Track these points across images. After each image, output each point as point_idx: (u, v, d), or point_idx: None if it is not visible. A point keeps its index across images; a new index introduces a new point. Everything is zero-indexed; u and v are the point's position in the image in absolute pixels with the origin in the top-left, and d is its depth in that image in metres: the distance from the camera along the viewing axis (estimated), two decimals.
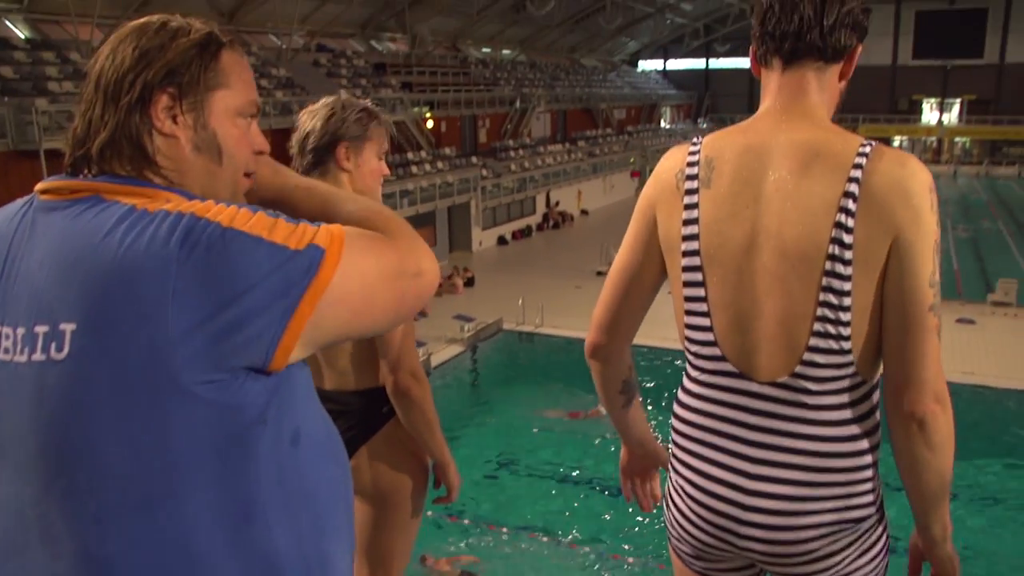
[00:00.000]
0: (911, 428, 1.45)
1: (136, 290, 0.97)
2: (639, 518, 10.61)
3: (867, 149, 1.44)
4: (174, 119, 1.12)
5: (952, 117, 53.40)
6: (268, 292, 1.00)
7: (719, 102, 58.98)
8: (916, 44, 51.75)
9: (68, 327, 0.99)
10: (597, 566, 10.12)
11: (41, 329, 1.01)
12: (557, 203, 35.21)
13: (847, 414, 1.50)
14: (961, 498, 10.96)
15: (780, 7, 1.50)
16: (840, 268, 1.42)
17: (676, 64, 60.56)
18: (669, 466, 1.74)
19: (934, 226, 1.43)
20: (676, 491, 1.68)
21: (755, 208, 1.49)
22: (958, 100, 52.44)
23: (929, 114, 54.04)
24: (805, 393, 1.49)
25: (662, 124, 55.23)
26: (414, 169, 27.48)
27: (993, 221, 31.93)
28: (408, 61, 32.40)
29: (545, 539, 10.67)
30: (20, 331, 1.03)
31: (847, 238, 1.41)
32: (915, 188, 1.41)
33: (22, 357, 1.02)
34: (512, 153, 34.80)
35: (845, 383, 1.49)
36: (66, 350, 0.99)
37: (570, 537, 10.69)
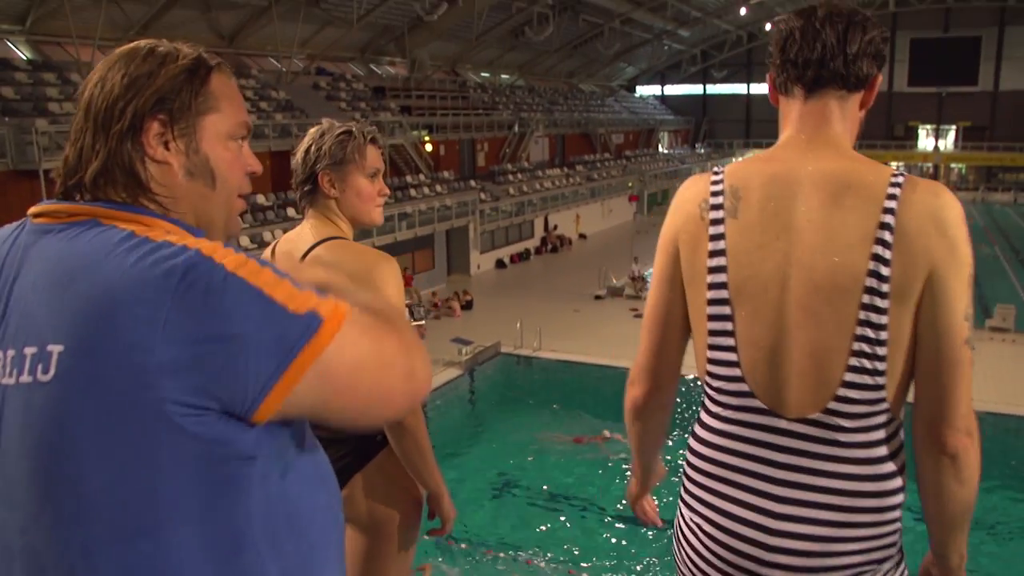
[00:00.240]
0: (942, 462, 1.43)
1: (127, 316, 0.95)
2: (638, 543, 10.55)
3: (900, 179, 1.42)
4: (166, 145, 1.11)
5: (948, 143, 53.69)
6: (257, 346, 0.97)
7: (716, 127, 59.28)
8: (911, 71, 52.12)
9: (56, 348, 0.97)
10: None
11: (30, 351, 0.99)
12: (555, 227, 35.28)
13: (878, 452, 1.46)
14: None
15: (801, 35, 1.48)
16: (878, 301, 1.39)
17: (674, 89, 60.91)
18: (681, 504, 1.68)
19: (968, 258, 1.41)
20: (691, 529, 1.62)
21: (785, 239, 1.45)
22: (953, 127, 52.77)
23: (925, 140, 54.34)
24: (838, 430, 1.45)
25: (660, 149, 55.43)
26: (413, 192, 27.55)
27: (990, 247, 31.98)
28: (407, 85, 32.56)
29: (543, 564, 10.59)
30: (11, 353, 1.01)
31: (884, 270, 1.38)
32: (951, 219, 1.39)
33: (11, 380, 1.00)
34: (510, 177, 34.92)
35: (877, 419, 1.45)
36: (52, 372, 0.97)
37: (568, 561, 10.61)
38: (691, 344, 1.64)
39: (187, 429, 0.96)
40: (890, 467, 1.47)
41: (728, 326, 1.50)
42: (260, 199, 21.83)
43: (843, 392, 1.43)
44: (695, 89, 59.94)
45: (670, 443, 1.85)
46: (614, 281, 25.13)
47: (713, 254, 1.51)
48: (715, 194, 1.53)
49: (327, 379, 1.01)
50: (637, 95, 59.35)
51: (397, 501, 2.23)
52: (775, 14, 38.09)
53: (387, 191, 2.31)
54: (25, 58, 21.15)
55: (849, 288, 1.40)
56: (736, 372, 1.51)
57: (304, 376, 0.99)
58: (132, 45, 1.15)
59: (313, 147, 2.19)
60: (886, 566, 1.52)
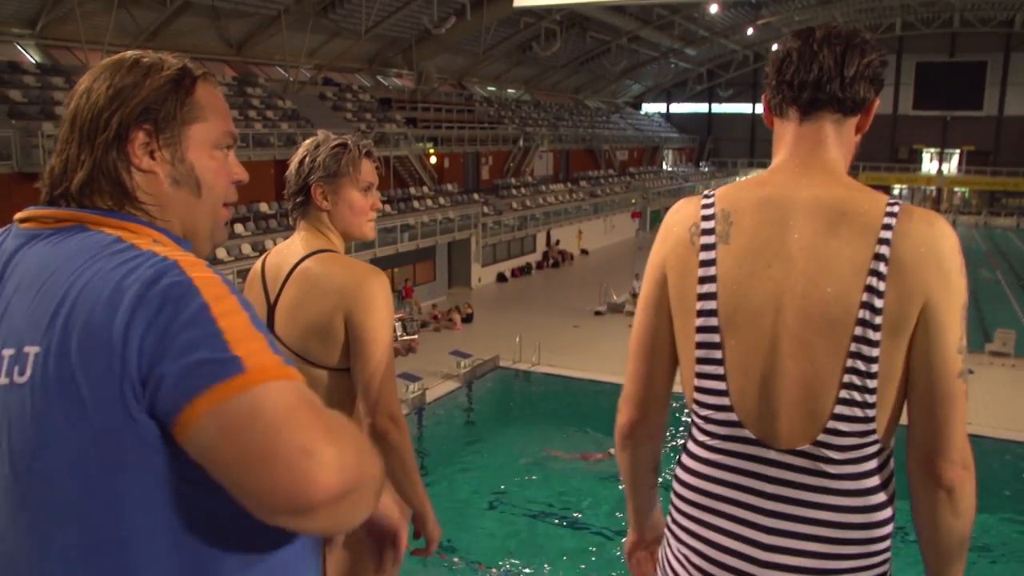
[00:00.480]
0: (938, 495, 1.41)
1: (98, 320, 0.95)
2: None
3: (895, 209, 1.40)
4: (151, 155, 1.12)
5: (951, 167, 53.79)
6: (183, 369, 0.93)
7: (721, 146, 59.42)
8: (916, 94, 52.30)
9: (32, 350, 0.97)
10: None
11: (8, 352, 0.99)
12: (557, 242, 35.31)
13: (867, 483, 1.44)
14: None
15: (798, 56, 1.45)
16: (870, 333, 1.36)
17: (679, 107, 61.08)
18: (668, 534, 1.65)
19: (963, 289, 1.39)
20: (678, 560, 1.59)
21: (778, 267, 1.42)
22: (957, 151, 52.87)
23: (929, 163, 54.44)
24: (827, 462, 1.42)
25: (664, 166, 55.54)
26: (416, 204, 27.62)
27: (991, 271, 31.94)
28: (413, 97, 32.67)
29: None
30: None
31: (878, 302, 1.36)
32: (946, 251, 1.38)
33: None
34: (514, 191, 34.98)
35: (866, 451, 1.43)
36: (28, 374, 0.97)
37: None
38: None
39: (150, 437, 0.95)
40: (879, 498, 1.45)
41: (717, 354, 1.47)
42: (263, 207, 21.87)
43: (833, 424, 1.40)
44: (700, 108, 60.10)
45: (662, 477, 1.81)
46: (615, 297, 25.13)
47: (703, 280, 1.48)
48: (706, 218, 1.50)
49: (221, 427, 0.92)
50: (643, 112, 59.53)
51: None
52: (782, 35, 38.28)
53: (380, 205, 2.28)
54: (34, 61, 21.24)
55: (841, 320, 1.38)
56: (725, 401, 1.48)
57: (200, 416, 0.92)
58: (118, 56, 1.15)
59: (307, 158, 2.17)
60: None
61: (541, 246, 34.55)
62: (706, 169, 56.15)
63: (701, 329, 1.48)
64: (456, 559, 10.86)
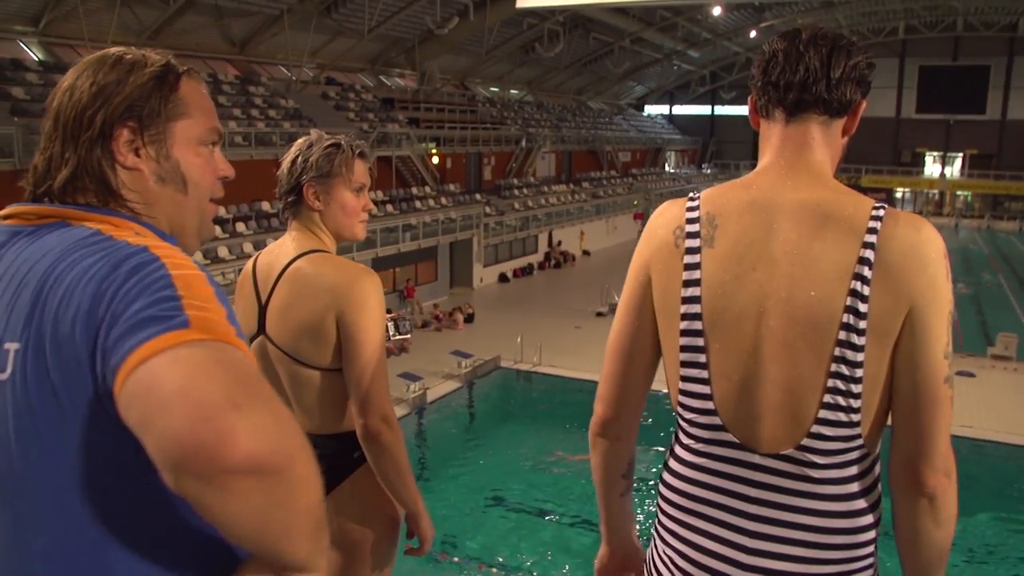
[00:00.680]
0: (919, 502, 1.40)
1: (70, 311, 0.94)
2: None
3: (881, 212, 1.38)
4: (136, 152, 1.11)
5: (954, 171, 53.76)
6: (128, 328, 0.90)
7: (723, 148, 59.43)
8: (919, 98, 52.30)
9: (12, 346, 0.97)
10: None
11: None
12: (559, 243, 35.31)
13: (851, 488, 1.42)
14: (959, 553, 10.84)
15: (784, 57, 1.44)
16: (854, 338, 1.35)
17: (682, 109, 61.10)
18: (654, 535, 1.63)
19: (949, 295, 1.37)
20: (663, 562, 1.59)
21: (762, 270, 1.41)
22: (960, 154, 52.84)
23: (931, 167, 54.42)
24: (811, 467, 1.41)
25: (667, 168, 55.55)
26: (418, 204, 27.63)
27: (994, 275, 31.96)
28: (416, 97, 32.69)
29: None
30: None
31: (862, 307, 1.35)
32: (931, 255, 1.36)
33: None
34: (516, 191, 34.99)
35: (851, 456, 1.41)
36: (8, 370, 0.97)
37: None
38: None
39: (124, 435, 0.91)
40: (863, 503, 1.44)
41: (701, 358, 1.46)
42: (265, 206, 21.88)
43: (817, 429, 1.39)
44: (703, 110, 60.11)
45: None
46: (616, 298, 25.07)
47: (688, 284, 1.46)
48: (691, 221, 1.49)
49: (150, 375, 0.87)
50: (645, 114, 59.54)
51: (373, 519, 2.18)
52: None
53: (372, 206, 2.27)
54: (37, 59, 21.26)
55: (825, 324, 1.37)
56: (709, 405, 1.47)
57: (134, 368, 0.88)
58: (101, 53, 1.14)
59: (300, 158, 2.16)
60: None
61: (543, 247, 34.54)
62: (709, 171, 56.14)
63: (685, 333, 1.47)
64: (456, 558, 10.86)
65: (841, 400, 1.38)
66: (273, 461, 0.85)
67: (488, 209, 30.56)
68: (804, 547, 1.43)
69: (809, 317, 1.38)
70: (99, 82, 1.10)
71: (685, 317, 1.47)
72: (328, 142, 2.17)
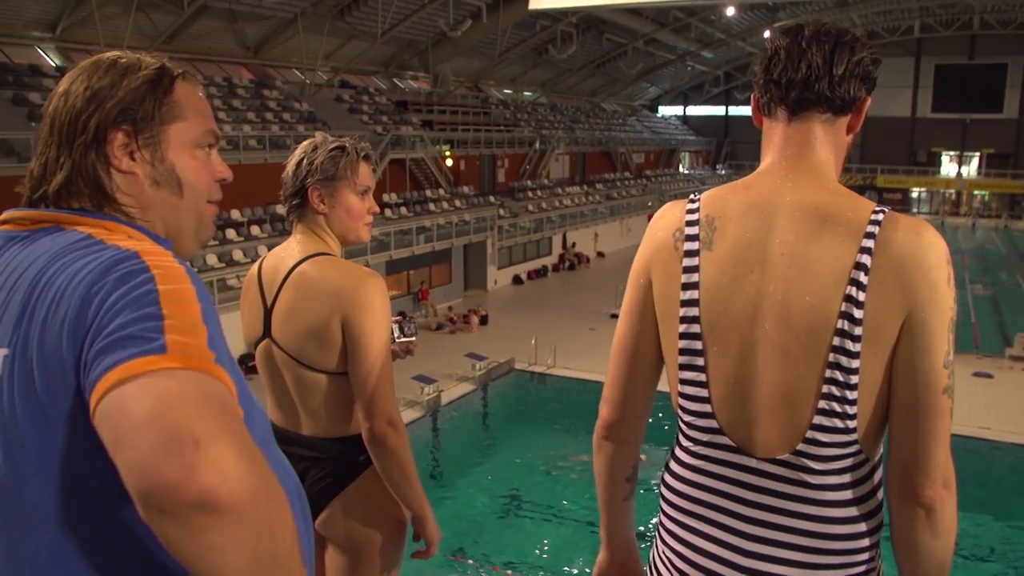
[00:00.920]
0: (917, 514, 1.37)
1: (56, 316, 0.94)
2: None
3: (880, 216, 1.35)
4: (131, 156, 1.11)
5: (971, 170, 53.38)
6: (106, 345, 0.90)
7: (738, 149, 59.24)
8: (935, 97, 51.97)
9: (1, 352, 0.97)
10: None
11: None
12: (573, 244, 35.29)
13: (849, 495, 1.40)
14: (977, 556, 10.76)
15: (787, 54, 1.42)
16: (849, 344, 1.32)
17: (696, 110, 60.97)
18: (656, 535, 1.63)
19: (951, 302, 1.33)
20: (663, 562, 1.58)
21: (759, 272, 1.39)
22: (977, 153, 52.47)
23: (948, 166, 54.07)
24: (807, 472, 1.39)
25: (681, 169, 55.43)
26: (432, 206, 27.68)
27: (1012, 275, 31.71)
28: (430, 99, 32.78)
29: None
30: None
31: (857, 313, 1.32)
32: (932, 260, 1.32)
33: None
34: (530, 193, 35.02)
35: (848, 462, 1.39)
36: None
37: None
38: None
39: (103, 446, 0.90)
40: (862, 509, 1.42)
41: (699, 361, 1.45)
42: (279, 209, 21.90)
43: (812, 434, 1.37)
44: (717, 110, 59.97)
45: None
46: None
47: (686, 287, 1.45)
48: (690, 223, 1.48)
49: (122, 399, 0.87)
50: (659, 115, 59.45)
51: (379, 522, 2.18)
52: None
53: (376, 209, 2.27)
54: (54, 64, 21.45)
55: (820, 329, 1.34)
56: (707, 408, 1.45)
57: (108, 389, 0.88)
58: (96, 57, 1.14)
59: (305, 161, 2.15)
60: None
61: (557, 248, 34.53)
62: (723, 172, 56.00)
63: (684, 336, 1.46)
64: (471, 560, 10.86)
65: (836, 406, 1.35)
66: (233, 499, 0.83)
67: (502, 211, 30.60)
68: (801, 552, 1.42)
69: (804, 321, 1.35)
70: (93, 86, 1.10)
71: (683, 320, 1.46)
72: (333, 145, 2.17)
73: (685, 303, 1.45)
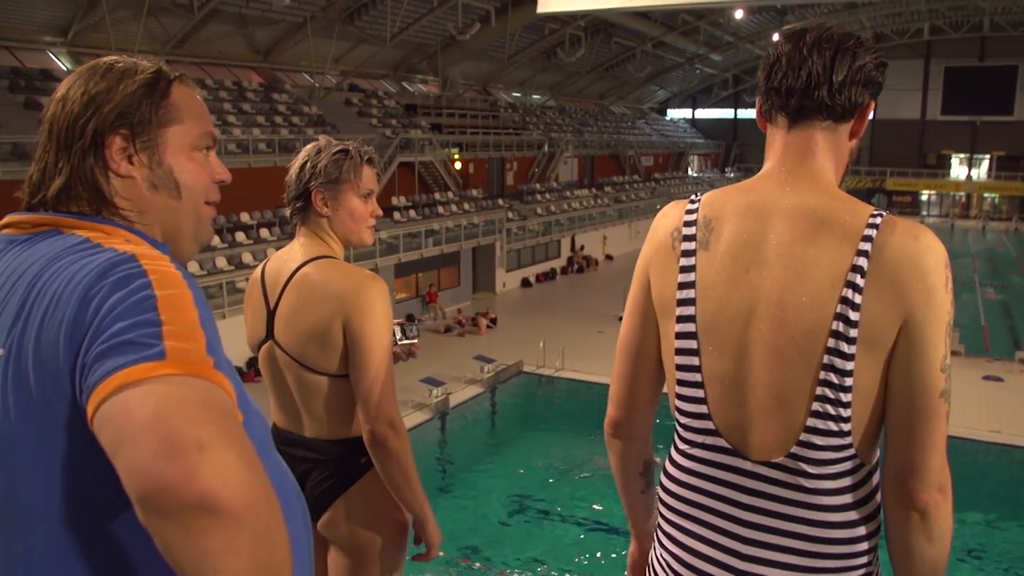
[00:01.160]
0: (911, 518, 1.37)
1: (52, 319, 0.95)
2: None
3: (878, 220, 1.35)
4: (129, 159, 1.11)
5: (981, 172, 53.13)
6: (105, 350, 0.91)
7: (747, 152, 59.12)
8: (945, 99, 51.77)
9: None
10: None
11: None
12: (582, 247, 35.27)
13: (846, 499, 1.40)
14: (988, 558, 10.71)
15: (787, 61, 1.41)
16: (844, 346, 1.32)
17: (704, 113, 60.89)
18: (655, 538, 1.63)
19: (948, 306, 1.33)
20: (661, 565, 1.58)
21: (755, 272, 1.39)
22: (987, 156, 52.22)
23: (958, 169, 53.82)
24: (802, 475, 1.39)
25: (689, 172, 55.35)
26: (440, 209, 27.70)
27: (1022, 278, 31.55)
28: (439, 103, 32.82)
29: None
30: None
31: (853, 315, 1.32)
32: (929, 264, 1.31)
33: None
34: (539, 196, 35.01)
35: (844, 466, 1.39)
36: None
37: None
38: None
39: (98, 449, 0.91)
40: (859, 513, 1.41)
41: (695, 360, 1.45)
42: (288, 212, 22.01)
43: (806, 437, 1.37)
44: (726, 113, 59.88)
45: None
46: None
47: (682, 286, 1.46)
48: (688, 224, 1.48)
49: (123, 405, 0.88)
50: (668, 118, 59.38)
51: (381, 524, 2.19)
52: None
53: (380, 212, 2.28)
54: (65, 69, 21.56)
55: (815, 330, 1.34)
56: (703, 409, 1.46)
57: (106, 395, 0.89)
58: (93, 61, 1.15)
59: (308, 164, 2.17)
60: None
61: (566, 251, 34.52)
62: (732, 175, 55.86)
63: (680, 335, 1.46)
64: (478, 563, 10.86)
65: (830, 408, 1.35)
66: (231, 505, 0.84)
67: (511, 214, 30.61)
68: (799, 555, 1.42)
69: (799, 322, 1.35)
70: (90, 91, 1.10)
71: (680, 319, 1.46)
72: (336, 148, 2.18)
73: (681, 302, 1.46)
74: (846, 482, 1.40)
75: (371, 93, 30.80)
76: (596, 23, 35.81)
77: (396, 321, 2.32)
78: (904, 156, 51.46)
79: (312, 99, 27.12)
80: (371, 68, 30.52)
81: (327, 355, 2.08)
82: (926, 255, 1.32)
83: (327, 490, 2.16)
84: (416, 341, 2.40)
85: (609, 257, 36.85)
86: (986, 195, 53.16)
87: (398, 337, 2.34)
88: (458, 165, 30.84)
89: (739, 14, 36.07)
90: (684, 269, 1.46)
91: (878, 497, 1.45)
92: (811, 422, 1.36)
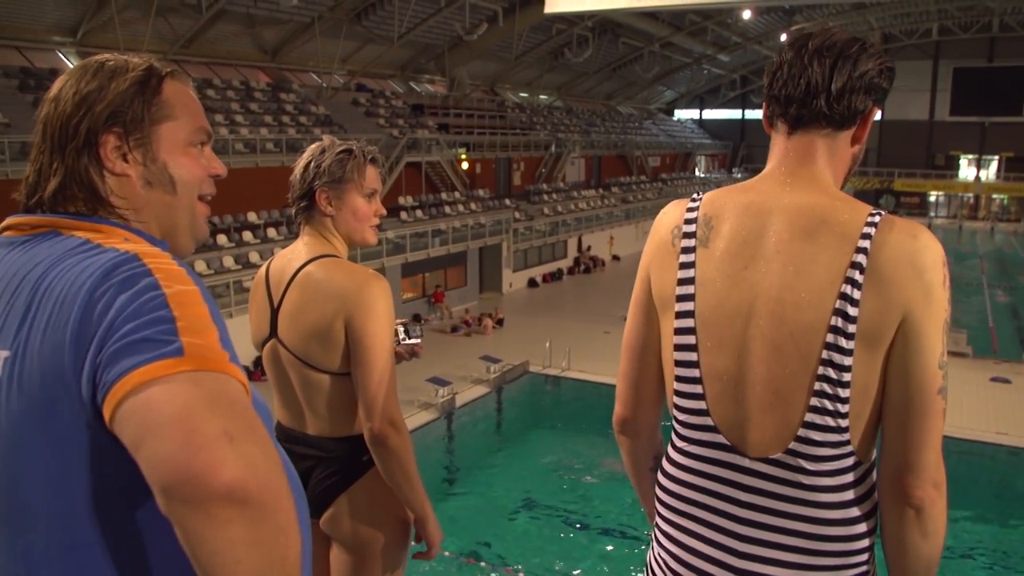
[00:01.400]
0: (907, 514, 1.38)
1: (58, 320, 0.96)
2: None
3: (876, 219, 1.37)
4: (124, 158, 1.12)
5: (990, 174, 52.93)
6: (122, 348, 0.93)
7: (754, 152, 59.03)
8: (953, 100, 51.55)
9: (2, 354, 0.99)
10: None
11: None
12: (589, 248, 35.25)
13: (843, 496, 1.41)
14: (996, 561, 10.67)
15: (789, 69, 1.43)
16: (842, 342, 1.34)
17: (712, 114, 60.81)
18: (653, 537, 1.64)
19: (945, 304, 1.35)
20: (659, 564, 1.59)
21: (754, 269, 1.41)
22: (996, 157, 52.01)
23: (966, 170, 53.62)
24: (801, 472, 1.40)
25: (697, 172, 55.29)
26: (447, 209, 27.71)
27: None
28: (446, 103, 32.84)
29: None
30: None
31: (852, 311, 1.33)
32: (927, 263, 1.33)
33: None
34: (545, 197, 35.01)
35: (841, 463, 1.40)
36: None
37: None
38: None
39: (106, 441, 0.94)
40: (858, 511, 1.42)
41: (693, 356, 1.46)
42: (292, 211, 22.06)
43: (804, 432, 1.38)
44: (734, 114, 59.80)
45: None
46: None
47: (682, 282, 1.47)
48: (688, 222, 1.50)
49: (146, 402, 0.90)
50: (675, 118, 59.32)
51: (383, 521, 2.21)
52: None
53: (383, 211, 2.30)
54: None
55: (814, 325, 1.35)
56: (701, 405, 1.47)
57: (126, 393, 0.91)
58: (84, 62, 1.15)
59: (312, 164, 2.19)
60: None
61: (572, 252, 34.50)
62: (739, 175, 55.74)
63: (679, 331, 1.47)
64: (483, 563, 10.86)
65: (828, 404, 1.36)
66: (258, 495, 0.87)
67: (517, 214, 30.61)
68: (796, 553, 1.42)
69: (798, 319, 1.37)
70: (82, 91, 1.10)
71: (679, 315, 1.47)
72: (340, 148, 2.20)
73: (680, 298, 1.47)
74: (844, 479, 1.41)
75: (378, 93, 30.83)
76: (603, 23, 35.78)
77: (400, 321, 2.33)
78: (912, 157, 51.30)
79: (319, 99, 27.17)
80: (378, 68, 30.55)
81: (329, 353, 2.09)
82: (924, 253, 1.34)
83: (330, 487, 2.18)
84: (419, 341, 2.41)
85: (616, 258, 36.82)
86: (995, 196, 52.93)
87: (401, 337, 2.35)
88: (465, 165, 30.85)
89: (747, 14, 36.01)
90: (684, 266, 1.48)
91: (876, 495, 1.45)
92: (809, 417, 1.37)
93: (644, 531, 11.51)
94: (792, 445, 1.39)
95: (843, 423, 1.37)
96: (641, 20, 35.62)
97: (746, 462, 1.44)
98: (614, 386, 1.70)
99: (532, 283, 30.90)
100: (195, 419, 0.88)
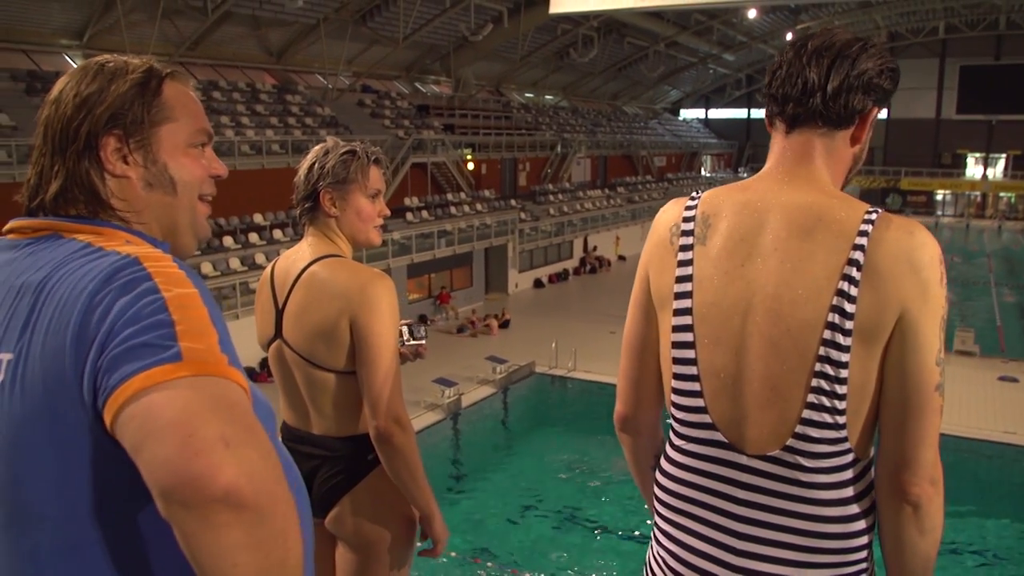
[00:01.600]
0: (904, 510, 1.39)
1: (60, 323, 0.96)
2: None
3: (873, 216, 1.37)
4: (124, 160, 1.12)
5: (997, 172, 52.76)
6: (122, 353, 0.93)
7: (760, 152, 58.85)
8: (960, 98, 51.40)
9: (6, 357, 1.00)
10: None
11: None
12: (594, 248, 35.24)
13: (841, 493, 1.41)
14: (1002, 561, 10.63)
15: (787, 68, 1.44)
16: (840, 338, 1.34)
17: (717, 113, 60.73)
18: (652, 536, 1.65)
19: (942, 300, 1.35)
20: (657, 563, 1.60)
21: (751, 266, 1.41)
22: (1003, 155, 51.84)
23: (973, 168, 53.46)
24: (799, 469, 1.40)
25: (703, 172, 55.22)
26: (453, 210, 27.74)
27: None
28: (451, 103, 32.86)
29: None
30: None
31: (849, 307, 1.34)
32: (924, 260, 1.34)
33: None
34: (551, 197, 35.01)
35: (839, 460, 1.40)
36: (1, 380, 0.99)
37: None
38: None
39: (108, 444, 0.95)
40: (856, 508, 1.43)
41: (691, 354, 1.46)
42: (297, 212, 22.10)
43: (801, 429, 1.38)
44: (739, 113, 59.70)
45: None
46: None
47: (679, 279, 1.48)
48: (687, 220, 1.51)
49: (146, 407, 0.91)
50: (680, 118, 59.26)
51: (389, 520, 2.21)
52: None
53: (387, 212, 2.31)
54: None
55: (811, 322, 1.36)
56: (699, 403, 1.47)
57: (126, 398, 0.92)
58: (84, 63, 1.14)
59: (316, 165, 2.21)
60: None
61: (578, 252, 34.50)
62: (745, 175, 55.58)
63: (676, 328, 1.48)
64: (490, 563, 10.87)
65: (825, 400, 1.36)
66: (255, 499, 0.88)
67: (523, 215, 30.63)
68: (794, 550, 1.43)
69: (795, 315, 1.37)
70: (82, 93, 1.11)
71: (676, 312, 1.48)
72: (344, 149, 2.22)
73: (677, 295, 1.48)
74: (842, 476, 1.41)
75: (384, 94, 30.88)
76: (609, 23, 35.78)
77: (404, 322, 2.34)
78: (919, 156, 51.18)
79: (325, 100, 27.22)
80: (384, 69, 30.59)
81: (334, 353, 2.11)
82: (921, 251, 1.35)
83: (335, 486, 2.19)
84: (424, 342, 2.42)
85: (622, 258, 36.81)
86: (1002, 195, 52.75)
87: (405, 337, 2.36)
88: (471, 166, 30.87)
89: (752, 14, 35.95)
90: (681, 263, 1.49)
91: (874, 494, 1.46)
92: (806, 414, 1.38)
93: (649, 529, 11.49)
94: (790, 442, 1.40)
95: (841, 420, 1.37)
96: (646, 20, 35.60)
97: (744, 459, 1.44)
98: None
99: (538, 283, 30.90)
100: (193, 424, 0.89)
